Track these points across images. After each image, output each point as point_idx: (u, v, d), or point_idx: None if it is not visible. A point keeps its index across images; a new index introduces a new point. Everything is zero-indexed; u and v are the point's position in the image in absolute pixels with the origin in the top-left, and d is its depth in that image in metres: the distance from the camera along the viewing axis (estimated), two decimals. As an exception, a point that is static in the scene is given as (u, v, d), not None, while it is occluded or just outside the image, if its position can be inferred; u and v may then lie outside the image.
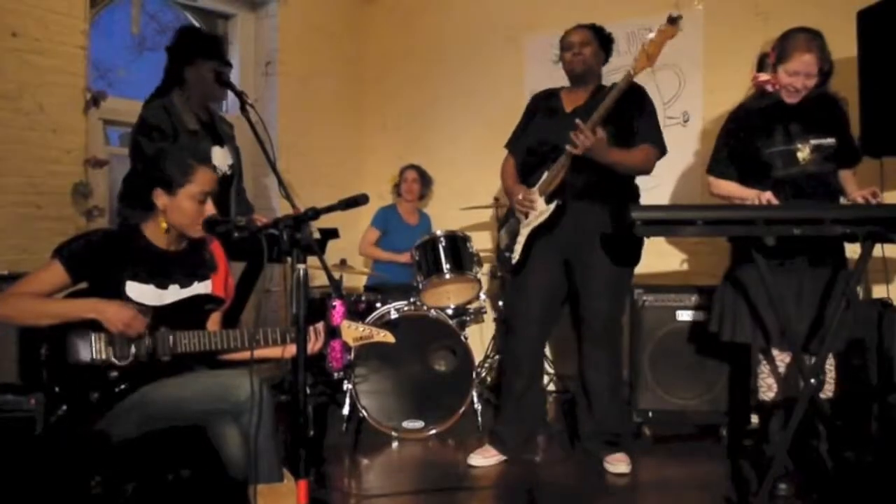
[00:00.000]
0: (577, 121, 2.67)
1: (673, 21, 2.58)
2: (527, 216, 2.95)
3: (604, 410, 3.00)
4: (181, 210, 2.17)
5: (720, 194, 2.78)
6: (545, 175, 2.88)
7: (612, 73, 3.99)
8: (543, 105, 3.08)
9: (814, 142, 2.60)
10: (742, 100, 2.78)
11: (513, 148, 3.15)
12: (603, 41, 2.99)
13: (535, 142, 2.98)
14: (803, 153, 2.60)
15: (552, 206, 2.87)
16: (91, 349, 2.05)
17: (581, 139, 2.65)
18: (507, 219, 3.17)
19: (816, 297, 2.60)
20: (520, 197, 2.94)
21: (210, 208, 2.23)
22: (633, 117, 2.85)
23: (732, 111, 2.78)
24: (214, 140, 3.05)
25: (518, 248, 3.00)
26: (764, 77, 2.64)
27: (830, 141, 2.60)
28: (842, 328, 2.52)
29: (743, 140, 2.69)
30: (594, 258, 2.89)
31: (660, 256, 3.75)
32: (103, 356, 2.06)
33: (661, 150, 2.91)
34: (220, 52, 2.99)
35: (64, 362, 2.03)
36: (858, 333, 2.65)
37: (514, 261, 3.03)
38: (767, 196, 2.54)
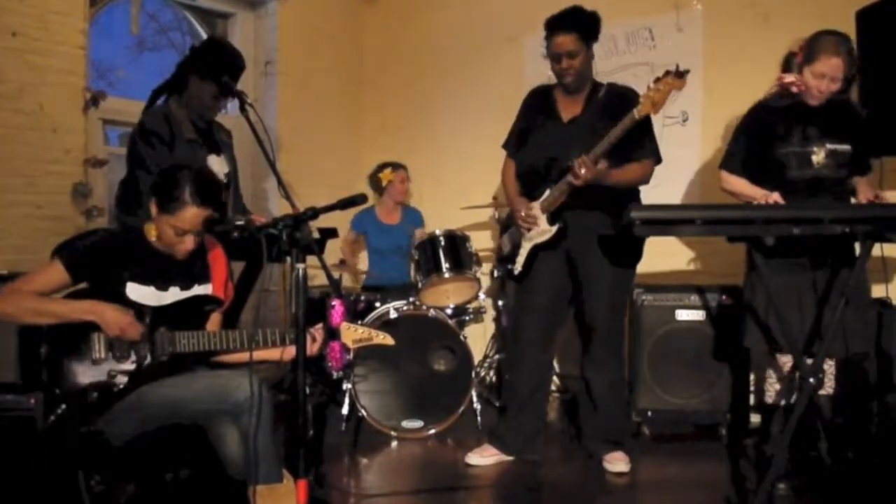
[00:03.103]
0: (583, 157, 2.65)
1: (681, 75, 2.58)
2: (529, 230, 2.96)
3: (606, 410, 3.00)
4: (161, 231, 2.18)
5: (730, 190, 2.78)
6: (547, 193, 2.88)
7: (613, 73, 4.00)
8: (539, 108, 3.04)
9: (830, 147, 2.60)
10: (761, 98, 2.77)
11: (510, 149, 3.15)
12: (589, 35, 2.87)
13: (537, 156, 2.96)
14: (818, 157, 2.61)
15: (555, 228, 2.88)
16: (91, 349, 2.05)
17: (583, 173, 2.65)
18: (508, 224, 3.17)
19: (820, 296, 2.60)
20: (522, 213, 2.93)
21: (191, 243, 2.18)
22: (632, 135, 2.80)
23: (751, 108, 2.77)
24: (211, 149, 3.05)
25: (520, 259, 3.00)
26: (789, 79, 2.64)
27: (846, 148, 2.61)
28: (856, 335, 2.53)
29: (759, 138, 2.69)
30: (597, 260, 2.89)
31: (660, 256, 3.74)
32: (103, 356, 2.06)
33: (658, 161, 2.93)
34: (229, 80, 2.88)
35: (64, 362, 2.03)
36: (863, 338, 2.66)
37: (516, 272, 3.03)
38: (774, 196, 2.54)
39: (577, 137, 2.78)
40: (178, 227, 2.14)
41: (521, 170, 3.07)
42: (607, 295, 2.92)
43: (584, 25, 2.84)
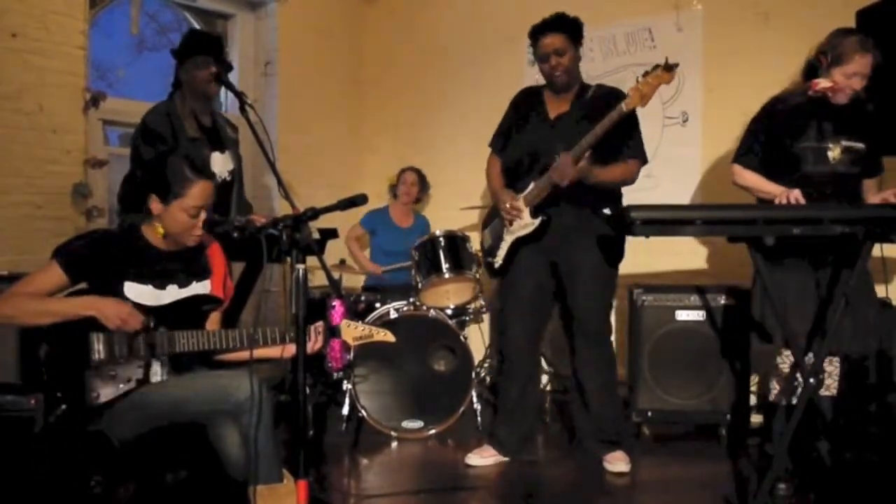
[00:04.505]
0: (561, 157, 2.67)
1: (669, 68, 2.59)
2: (511, 223, 2.96)
3: (599, 409, 3.00)
4: (174, 220, 2.18)
5: (743, 185, 2.77)
6: (531, 187, 2.89)
7: (612, 73, 4.00)
8: (526, 107, 3.05)
9: (845, 143, 2.61)
10: (777, 94, 2.77)
11: (496, 148, 3.15)
12: (575, 36, 2.91)
13: (522, 151, 2.97)
14: (834, 153, 2.61)
15: (537, 221, 2.88)
16: (91, 348, 2.05)
17: (568, 173, 2.67)
18: (490, 218, 3.17)
19: (821, 296, 2.61)
20: (507, 205, 2.94)
21: (202, 220, 2.20)
22: (617, 132, 2.80)
23: (766, 104, 2.76)
24: (215, 146, 3.05)
25: (501, 252, 3.01)
26: (825, 84, 2.60)
27: (860, 146, 2.62)
28: (856, 334, 2.54)
29: (775, 133, 2.69)
30: (579, 258, 2.90)
31: (659, 256, 3.75)
32: (103, 355, 2.06)
33: (644, 162, 2.94)
34: (209, 48, 2.97)
35: (63, 362, 2.03)
36: (865, 335, 2.66)
37: (496, 265, 3.04)
38: (796, 194, 2.52)
39: (562, 134, 2.80)
40: (190, 206, 2.15)
41: (506, 164, 3.08)
42: (592, 294, 2.93)
43: (568, 26, 2.90)
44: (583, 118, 2.83)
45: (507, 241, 2.99)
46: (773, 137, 2.69)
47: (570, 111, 2.93)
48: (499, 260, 3.03)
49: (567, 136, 2.75)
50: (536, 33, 2.92)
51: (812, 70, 2.67)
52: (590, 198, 2.85)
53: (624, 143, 2.86)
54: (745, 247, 2.38)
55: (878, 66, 2.60)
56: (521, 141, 3.01)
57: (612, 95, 2.83)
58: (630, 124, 2.86)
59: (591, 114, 2.78)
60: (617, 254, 2.97)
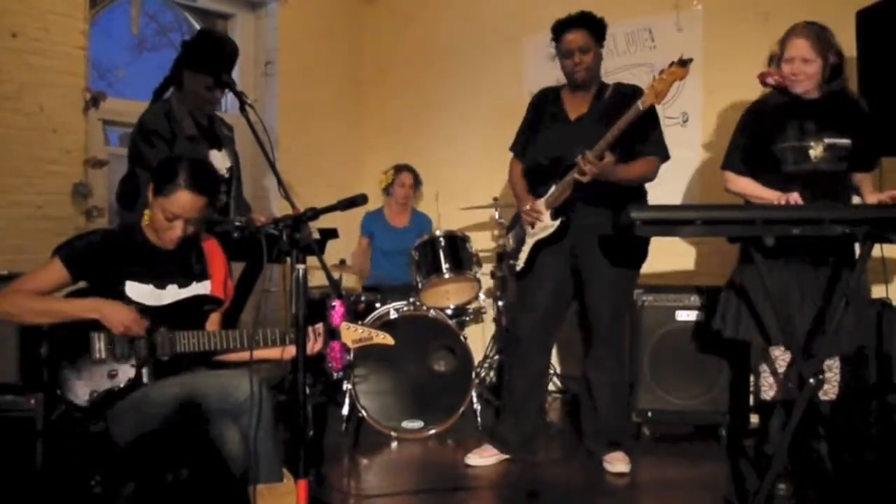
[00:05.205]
0: (587, 154, 2.66)
1: (684, 63, 2.60)
2: (533, 226, 2.96)
3: (606, 410, 3.01)
4: (154, 215, 2.18)
5: (736, 191, 2.76)
6: (552, 189, 2.89)
7: (613, 73, 4.00)
8: (545, 108, 3.06)
9: (828, 141, 2.60)
10: (758, 97, 2.78)
11: (518, 151, 3.16)
12: (598, 36, 2.94)
13: (542, 153, 2.98)
14: (816, 151, 2.60)
15: (557, 222, 2.88)
16: (91, 349, 2.05)
17: (588, 169, 2.65)
18: (514, 223, 3.17)
19: (820, 296, 2.60)
20: (527, 207, 2.95)
21: (179, 230, 2.17)
22: (637, 129, 2.80)
23: (749, 107, 2.77)
24: (212, 144, 3.05)
25: (523, 256, 3.01)
26: (765, 71, 2.66)
27: (845, 142, 2.60)
28: (853, 331, 2.53)
29: (756, 134, 2.69)
30: (600, 260, 2.90)
31: (660, 256, 3.73)
32: (103, 355, 2.06)
33: (665, 158, 2.93)
34: (221, 69, 2.84)
35: (64, 362, 2.03)
36: (860, 334, 2.65)
37: (518, 268, 3.04)
38: (794, 197, 2.51)
39: (583, 135, 2.79)
40: (168, 210, 2.14)
41: (527, 167, 3.09)
42: (610, 294, 2.93)
43: (593, 24, 2.92)
44: (602, 117, 2.83)
45: (529, 243, 2.99)
46: (756, 139, 2.69)
47: (590, 112, 2.93)
48: (520, 263, 3.03)
49: (587, 136, 2.74)
50: (561, 29, 2.92)
51: (771, 65, 2.70)
52: (613, 198, 2.83)
53: (644, 139, 2.86)
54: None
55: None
56: (541, 143, 3.01)
57: (630, 93, 2.82)
58: (650, 121, 2.85)
59: (611, 112, 2.77)
60: (638, 255, 2.98)
